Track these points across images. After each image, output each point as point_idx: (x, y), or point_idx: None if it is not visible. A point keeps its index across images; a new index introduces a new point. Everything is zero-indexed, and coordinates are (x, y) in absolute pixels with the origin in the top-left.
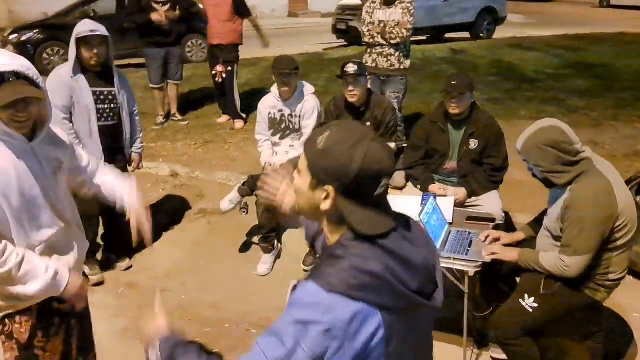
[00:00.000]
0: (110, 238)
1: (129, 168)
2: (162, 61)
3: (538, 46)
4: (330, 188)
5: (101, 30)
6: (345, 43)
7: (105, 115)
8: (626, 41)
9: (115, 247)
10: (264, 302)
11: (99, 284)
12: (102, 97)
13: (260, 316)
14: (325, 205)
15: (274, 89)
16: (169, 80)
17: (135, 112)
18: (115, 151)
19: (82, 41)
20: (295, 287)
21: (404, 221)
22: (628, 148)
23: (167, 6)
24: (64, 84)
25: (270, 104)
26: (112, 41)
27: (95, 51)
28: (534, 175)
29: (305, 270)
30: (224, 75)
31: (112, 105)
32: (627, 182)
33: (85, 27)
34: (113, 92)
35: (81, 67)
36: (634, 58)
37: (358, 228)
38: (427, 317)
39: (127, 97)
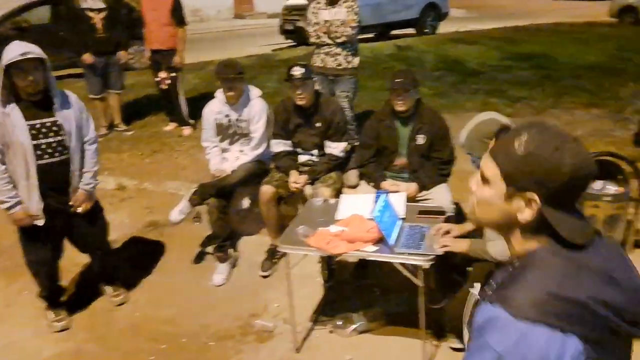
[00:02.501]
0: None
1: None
2: (101, 70)
3: (480, 39)
4: (534, 195)
5: (35, 52)
6: (294, 43)
7: (49, 151)
8: (562, 31)
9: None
10: (221, 313)
11: None
12: (43, 130)
13: (218, 328)
14: (525, 215)
15: (219, 93)
16: (109, 90)
17: (91, 141)
18: (65, 193)
19: (13, 67)
20: (477, 303)
21: (600, 237)
22: None
23: (103, 13)
24: None
25: (216, 109)
26: (49, 64)
27: (30, 78)
28: (478, 168)
29: (263, 277)
30: (168, 82)
31: (59, 138)
32: None
33: (15, 51)
34: (58, 122)
35: (16, 96)
36: (569, 47)
37: (569, 237)
38: (627, 349)
39: (78, 124)
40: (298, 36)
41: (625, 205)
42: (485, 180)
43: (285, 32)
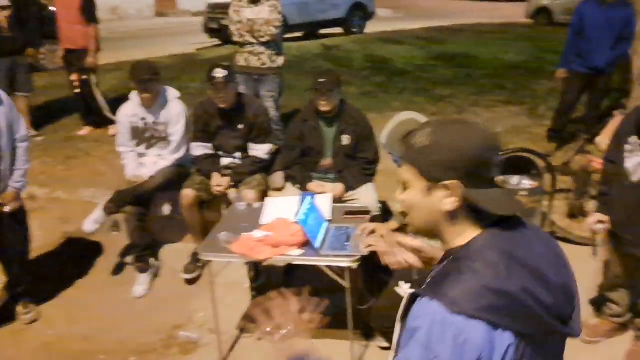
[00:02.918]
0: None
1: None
2: (7, 72)
3: (406, 39)
4: (451, 182)
5: None
6: (219, 42)
7: None
8: (482, 31)
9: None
10: (143, 326)
11: None
12: None
13: (140, 342)
14: (449, 204)
15: (134, 96)
16: (17, 93)
17: (22, 139)
18: None
19: None
20: (411, 300)
21: (535, 230)
22: None
23: (8, 11)
24: None
25: (131, 112)
26: None
27: None
28: (400, 167)
29: (187, 280)
30: (78, 84)
31: None
32: None
33: None
34: None
35: None
36: (490, 47)
37: (496, 210)
38: (557, 347)
39: (9, 121)
40: (223, 35)
41: (540, 199)
42: (405, 185)
43: (210, 31)
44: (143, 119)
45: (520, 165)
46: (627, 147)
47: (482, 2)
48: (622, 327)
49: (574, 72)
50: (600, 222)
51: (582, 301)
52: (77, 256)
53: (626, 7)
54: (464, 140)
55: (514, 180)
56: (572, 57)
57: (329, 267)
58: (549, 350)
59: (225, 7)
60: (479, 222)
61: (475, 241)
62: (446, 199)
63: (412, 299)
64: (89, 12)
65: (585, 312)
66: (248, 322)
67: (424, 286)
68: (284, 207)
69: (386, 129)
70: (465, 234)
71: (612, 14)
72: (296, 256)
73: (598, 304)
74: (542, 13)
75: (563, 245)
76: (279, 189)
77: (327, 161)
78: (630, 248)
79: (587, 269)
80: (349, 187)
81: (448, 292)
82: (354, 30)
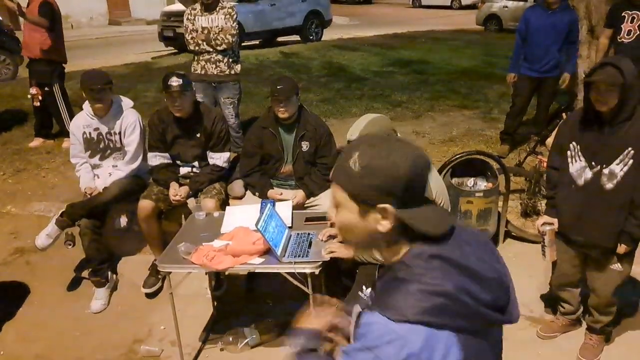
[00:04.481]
0: None
1: None
2: None
3: (363, 46)
4: (384, 205)
5: None
6: (175, 50)
7: None
8: (436, 38)
9: None
10: (102, 342)
11: None
12: None
13: (99, 358)
14: (384, 226)
15: (87, 106)
16: None
17: None
18: None
19: None
20: (359, 316)
21: (465, 231)
22: (444, 135)
23: None
24: None
25: (83, 123)
26: None
27: None
28: None
29: (147, 294)
30: (40, 98)
31: None
32: (444, 166)
33: None
34: None
35: None
36: (443, 53)
37: (428, 230)
38: (498, 334)
39: None
40: (179, 43)
41: (496, 199)
42: (337, 204)
43: (165, 39)
44: (96, 129)
45: (475, 167)
46: (569, 152)
47: (435, 10)
48: (577, 322)
49: (523, 76)
50: (547, 223)
51: (534, 297)
52: (30, 272)
53: (570, 12)
54: (393, 164)
55: (470, 182)
56: (520, 62)
57: (292, 273)
58: (491, 338)
59: (180, 15)
60: (413, 236)
61: (410, 251)
62: (381, 221)
63: (361, 314)
64: (46, 20)
65: (538, 308)
66: (211, 332)
67: (369, 301)
68: (244, 215)
69: (356, 126)
70: (401, 248)
71: (556, 19)
72: (257, 265)
73: (550, 301)
74: (492, 20)
75: (518, 244)
76: (239, 197)
77: (287, 168)
78: (580, 248)
79: (539, 266)
80: (310, 193)
81: (390, 303)
82: (312, 37)
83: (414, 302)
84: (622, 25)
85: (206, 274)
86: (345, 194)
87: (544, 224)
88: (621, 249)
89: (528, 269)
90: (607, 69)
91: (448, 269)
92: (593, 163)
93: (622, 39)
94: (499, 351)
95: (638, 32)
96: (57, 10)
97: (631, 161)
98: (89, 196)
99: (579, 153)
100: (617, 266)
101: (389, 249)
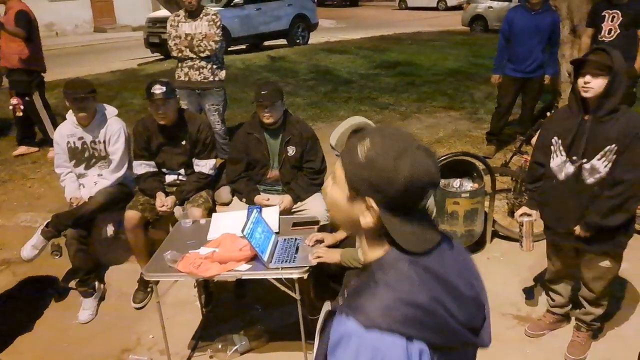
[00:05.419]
0: None
1: None
2: None
3: (349, 49)
4: (371, 200)
5: None
6: (162, 56)
7: None
8: (422, 39)
9: None
10: (90, 352)
11: None
12: None
13: None
14: (366, 220)
15: (70, 115)
16: None
17: None
18: None
19: None
20: (329, 315)
21: (448, 242)
22: (431, 136)
23: None
24: None
25: (67, 132)
26: None
27: None
28: None
29: (136, 309)
30: (21, 108)
31: None
32: None
33: None
34: None
35: None
36: (429, 54)
37: (405, 246)
38: (469, 356)
39: None
40: (165, 49)
41: (482, 200)
42: (334, 179)
43: (151, 45)
44: (81, 138)
45: (461, 168)
46: (552, 147)
47: (421, 12)
48: (564, 319)
49: (508, 76)
50: (526, 214)
51: (522, 296)
52: (16, 284)
53: (552, 14)
54: (395, 168)
55: (456, 183)
56: (504, 63)
57: (279, 279)
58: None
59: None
60: (392, 243)
61: (389, 254)
62: (365, 214)
63: (330, 314)
64: (24, 30)
65: (525, 306)
66: (200, 340)
67: (341, 302)
68: (230, 222)
69: (336, 130)
70: (380, 247)
71: (539, 20)
72: (244, 271)
73: (538, 299)
74: (477, 20)
75: (505, 243)
76: (226, 204)
77: (273, 173)
78: (565, 240)
79: (526, 264)
80: (297, 198)
81: (363, 307)
82: (298, 41)
83: (388, 311)
84: (602, 25)
85: (196, 281)
86: (343, 173)
87: (522, 214)
88: (580, 232)
89: (515, 267)
90: (599, 52)
91: (427, 279)
92: (574, 158)
93: (604, 38)
94: None
95: (619, 31)
96: (33, 19)
97: (614, 157)
98: (74, 206)
99: (560, 147)
100: (606, 263)
101: (371, 243)
